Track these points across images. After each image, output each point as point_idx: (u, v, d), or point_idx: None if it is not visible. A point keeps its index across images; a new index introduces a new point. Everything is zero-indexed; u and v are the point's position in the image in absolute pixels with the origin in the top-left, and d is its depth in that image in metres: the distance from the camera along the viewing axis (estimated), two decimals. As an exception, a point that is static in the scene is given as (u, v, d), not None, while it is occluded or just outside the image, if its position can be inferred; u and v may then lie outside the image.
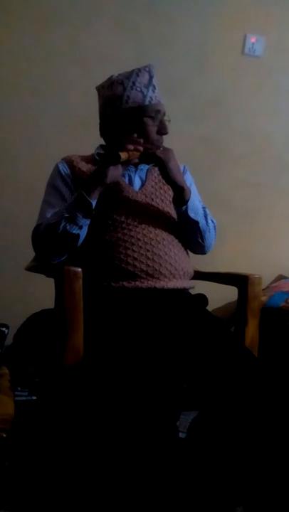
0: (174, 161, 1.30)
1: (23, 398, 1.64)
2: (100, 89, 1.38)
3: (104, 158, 1.21)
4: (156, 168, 1.36)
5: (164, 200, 1.37)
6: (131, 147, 1.20)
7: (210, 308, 1.38)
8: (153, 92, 1.32)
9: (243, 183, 2.44)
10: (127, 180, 1.37)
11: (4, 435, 1.01)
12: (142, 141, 1.24)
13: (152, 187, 1.38)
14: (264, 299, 2.02)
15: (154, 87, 1.33)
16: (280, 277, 2.40)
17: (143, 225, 1.29)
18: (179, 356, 1.14)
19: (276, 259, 2.44)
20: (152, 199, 1.36)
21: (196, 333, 1.16)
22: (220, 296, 1.79)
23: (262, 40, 2.39)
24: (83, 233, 1.23)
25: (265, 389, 1.03)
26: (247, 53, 2.39)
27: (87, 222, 1.22)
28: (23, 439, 1.33)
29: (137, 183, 1.38)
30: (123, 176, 1.36)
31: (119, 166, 1.22)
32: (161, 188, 1.38)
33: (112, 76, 1.35)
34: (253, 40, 2.38)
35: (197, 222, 1.34)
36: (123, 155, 1.18)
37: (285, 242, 2.53)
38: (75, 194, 1.22)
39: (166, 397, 1.07)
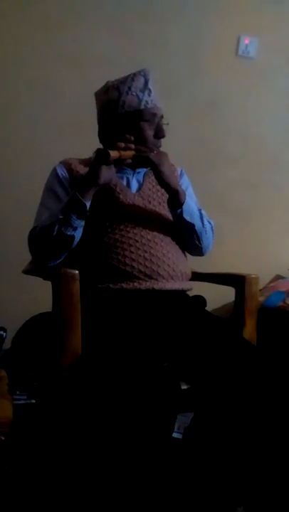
0: (167, 164, 1.30)
1: (22, 402, 1.63)
2: (97, 95, 1.39)
3: (95, 157, 1.21)
4: None
5: (161, 203, 1.37)
6: (121, 145, 1.20)
7: (208, 309, 1.38)
8: (149, 96, 1.32)
9: (239, 184, 2.45)
10: (124, 182, 1.37)
11: (3, 438, 1.01)
12: (132, 138, 1.24)
13: (150, 189, 1.38)
14: (261, 299, 2.03)
15: (150, 90, 1.32)
16: (278, 277, 2.40)
17: (140, 227, 1.29)
18: (177, 357, 1.14)
19: (273, 259, 2.45)
20: (149, 201, 1.36)
21: (195, 331, 1.16)
22: (218, 297, 1.79)
23: (255, 41, 2.39)
24: (78, 235, 1.23)
25: (266, 385, 1.03)
26: (241, 55, 2.40)
27: (82, 223, 1.22)
28: (21, 442, 1.32)
29: (134, 185, 1.39)
30: (121, 178, 1.36)
31: (112, 166, 1.22)
32: (158, 191, 1.38)
33: (108, 82, 1.35)
34: (246, 41, 2.38)
35: (193, 225, 1.34)
36: (113, 153, 1.18)
37: (281, 242, 2.53)
38: (69, 196, 1.23)
39: (164, 397, 1.07)
